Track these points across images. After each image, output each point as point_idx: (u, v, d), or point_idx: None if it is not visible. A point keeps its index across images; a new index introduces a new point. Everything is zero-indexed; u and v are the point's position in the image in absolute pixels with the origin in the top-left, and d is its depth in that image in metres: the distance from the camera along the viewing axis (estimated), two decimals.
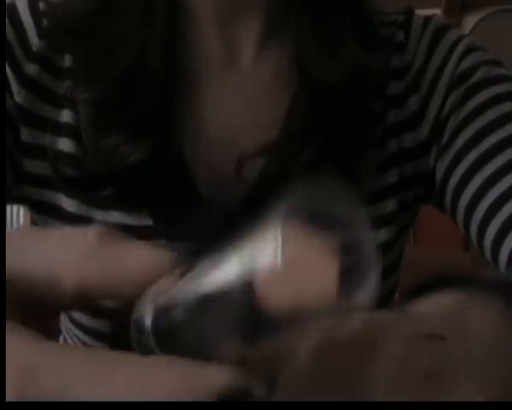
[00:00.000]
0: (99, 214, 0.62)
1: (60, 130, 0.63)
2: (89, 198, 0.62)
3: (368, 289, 0.22)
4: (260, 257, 0.21)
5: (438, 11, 1.71)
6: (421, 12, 0.68)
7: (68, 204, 0.62)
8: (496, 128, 0.61)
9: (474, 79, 0.63)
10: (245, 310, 0.22)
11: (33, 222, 0.68)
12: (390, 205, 0.64)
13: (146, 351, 0.26)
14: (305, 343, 0.23)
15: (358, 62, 0.60)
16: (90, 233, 0.28)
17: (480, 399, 0.22)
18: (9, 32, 0.63)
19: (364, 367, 0.23)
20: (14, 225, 1.58)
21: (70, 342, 0.69)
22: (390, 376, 0.22)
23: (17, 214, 1.73)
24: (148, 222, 0.61)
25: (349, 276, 0.22)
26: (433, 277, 0.31)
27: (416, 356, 0.23)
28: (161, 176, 0.59)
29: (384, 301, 0.65)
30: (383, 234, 0.63)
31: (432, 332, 0.25)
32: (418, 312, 0.27)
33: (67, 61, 0.63)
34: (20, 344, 0.24)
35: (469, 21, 1.67)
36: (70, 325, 0.67)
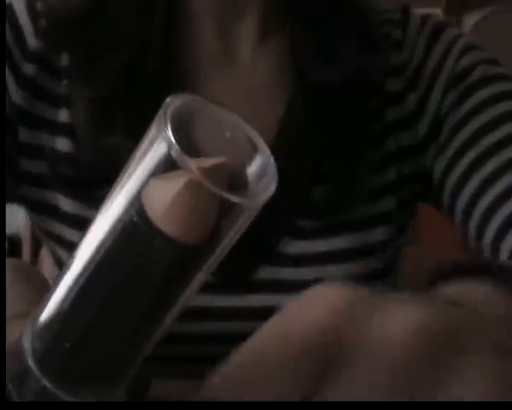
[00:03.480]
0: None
1: (57, 129, 0.63)
2: (87, 198, 0.61)
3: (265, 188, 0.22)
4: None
5: (438, 11, 1.71)
6: (422, 11, 0.68)
7: (65, 204, 0.62)
8: (494, 128, 0.61)
9: (472, 77, 0.63)
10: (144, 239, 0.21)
11: (32, 222, 0.68)
12: (388, 203, 0.64)
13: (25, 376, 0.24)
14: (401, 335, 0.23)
15: (357, 64, 0.60)
16: None
17: None
18: (7, 33, 0.63)
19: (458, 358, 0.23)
20: (14, 225, 1.58)
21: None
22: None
23: (17, 214, 1.72)
24: None
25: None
26: (448, 265, 0.30)
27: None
28: None
29: None
30: (380, 233, 0.63)
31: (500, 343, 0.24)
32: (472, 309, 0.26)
33: (64, 60, 0.63)
34: None
35: (469, 21, 1.67)
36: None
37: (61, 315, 0.23)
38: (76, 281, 0.23)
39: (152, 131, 0.22)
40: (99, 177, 0.61)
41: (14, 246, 1.45)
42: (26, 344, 0.24)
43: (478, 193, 0.60)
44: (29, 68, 0.63)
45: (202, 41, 0.62)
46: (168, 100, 0.22)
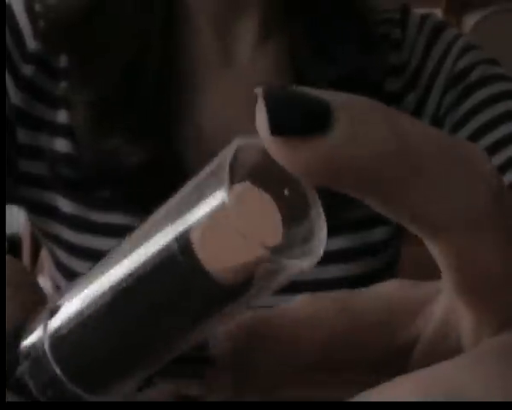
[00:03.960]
0: (96, 215, 0.62)
1: (56, 130, 0.63)
2: (86, 199, 0.61)
3: (315, 248, 0.21)
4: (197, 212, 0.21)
5: (438, 11, 1.71)
6: (422, 11, 0.68)
7: (65, 205, 0.62)
8: (493, 127, 0.61)
9: (471, 78, 0.63)
10: (186, 279, 0.21)
11: (31, 223, 0.68)
12: None
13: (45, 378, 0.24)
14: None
15: (356, 65, 0.60)
16: None
17: None
18: (6, 35, 0.63)
19: None
20: (14, 225, 1.58)
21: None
22: None
23: (17, 214, 1.72)
24: None
25: (293, 229, 0.21)
26: None
27: None
28: (160, 178, 0.59)
29: None
30: (380, 233, 0.63)
31: None
32: None
33: (63, 61, 0.63)
34: None
35: (470, 21, 1.67)
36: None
37: (83, 327, 0.23)
38: (103, 296, 0.23)
39: (212, 173, 0.21)
40: (98, 178, 0.61)
41: (14, 246, 1.45)
42: (48, 352, 0.24)
43: None
44: (28, 69, 0.63)
45: (201, 42, 0.62)
46: (235, 142, 0.21)
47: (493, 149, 0.60)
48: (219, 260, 0.21)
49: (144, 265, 0.22)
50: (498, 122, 0.61)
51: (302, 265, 0.21)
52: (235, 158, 0.20)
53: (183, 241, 0.21)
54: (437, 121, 0.64)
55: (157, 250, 0.21)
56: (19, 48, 0.63)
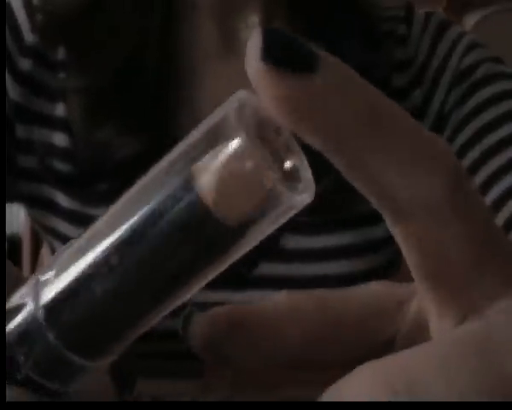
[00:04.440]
0: (93, 210, 0.61)
1: (54, 124, 0.63)
2: (83, 194, 0.61)
3: (306, 191, 0.22)
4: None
5: (439, 10, 1.70)
6: (422, 11, 0.68)
7: (63, 199, 0.62)
8: (497, 126, 0.61)
9: (476, 75, 0.63)
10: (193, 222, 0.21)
11: (31, 217, 0.68)
12: None
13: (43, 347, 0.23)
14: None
15: (361, 61, 0.60)
16: None
17: None
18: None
19: None
20: (14, 225, 1.58)
21: None
22: None
23: (17, 214, 1.72)
24: None
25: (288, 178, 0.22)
26: None
27: None
28: None
29: None
30: (382, 229, 0.63)
31: None
32: None
33: (61, 53, 0.63)
34: None
35: (470, 21, 1.66)
36: None
37: (81, 284, 0.23)
38: (105, 252, 0.23)
39: (222, 120, 0.21)
40: (93, 171, 0.61)
41: (14, 246, 1.45)
42: (43, 322, 0.23)
43: (480, 192, 0.60)
44: (25, 63, 0.63)
45: (201, 38, 0.62)
46: (237, 95, 0.22)
47: (497, 147, 0.60)
48: (227, 202, 0.21)
49: (150, 213, 0.22)
50: (502, 121, 0.61)
51: (302, 198, 0.22)
52: (239, 109, 0.21)
53: (191, 186, 0.21)
54: (442, 119, 0.64)
55: (164, 197, 0.21)
56: (17, 42, 0.63)
